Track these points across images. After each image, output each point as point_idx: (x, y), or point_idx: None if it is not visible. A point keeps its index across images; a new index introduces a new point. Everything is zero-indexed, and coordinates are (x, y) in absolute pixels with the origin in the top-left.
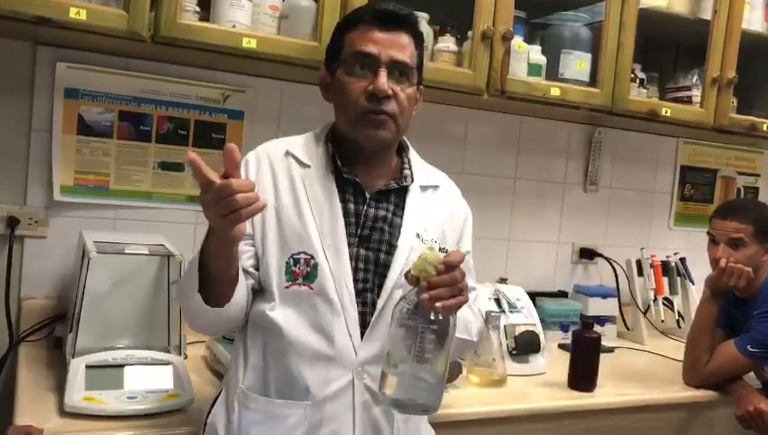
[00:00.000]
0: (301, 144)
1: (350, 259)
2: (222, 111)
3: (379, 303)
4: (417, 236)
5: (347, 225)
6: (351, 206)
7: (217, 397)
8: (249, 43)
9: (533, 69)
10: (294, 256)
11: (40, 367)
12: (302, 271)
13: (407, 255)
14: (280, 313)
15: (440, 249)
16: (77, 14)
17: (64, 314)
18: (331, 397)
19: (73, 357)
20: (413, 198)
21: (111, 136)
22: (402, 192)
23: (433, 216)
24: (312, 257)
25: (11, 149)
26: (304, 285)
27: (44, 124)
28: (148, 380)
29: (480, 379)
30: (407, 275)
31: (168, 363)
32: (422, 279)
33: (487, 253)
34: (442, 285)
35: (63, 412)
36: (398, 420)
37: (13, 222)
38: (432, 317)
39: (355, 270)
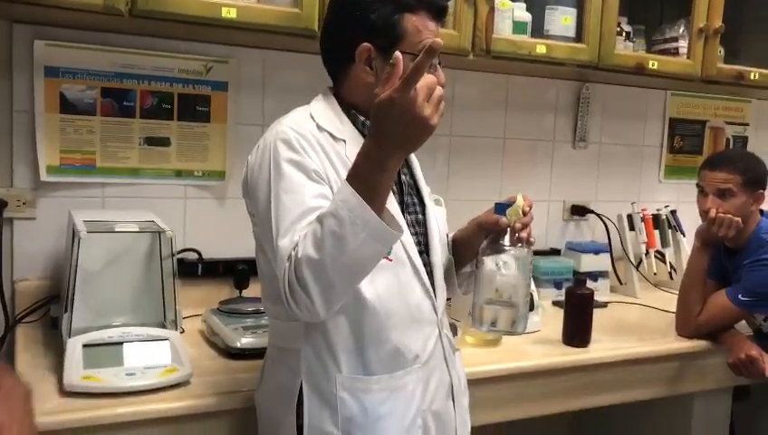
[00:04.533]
0: (325, 118)
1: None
2: (205, 83)
3: (433, 259)
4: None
5: (392, 194)
6: None
7: (299, 404)
8: (229, 13)
9: (518, 27)
10: None
11: (38, 348)
12: None
13: (432, 211)
14: (370, 290)
15: (435, 200)
16: None
17: (59, 293)
18: (431, 353)
19: (70, 337)
20: (413, 159)
21: (95, 113)
22: None
23: (419, 167)
24: None
25: None
26: (383, 257)
27: (26, 104)
28: (146, 356)
29: (475, 339)
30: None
31: (164, 339)
32: (513, 222)
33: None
34: (530, 221)
35: (63, 392)
36: (457, 356)
37: (1, 205)
38: (521, 251)
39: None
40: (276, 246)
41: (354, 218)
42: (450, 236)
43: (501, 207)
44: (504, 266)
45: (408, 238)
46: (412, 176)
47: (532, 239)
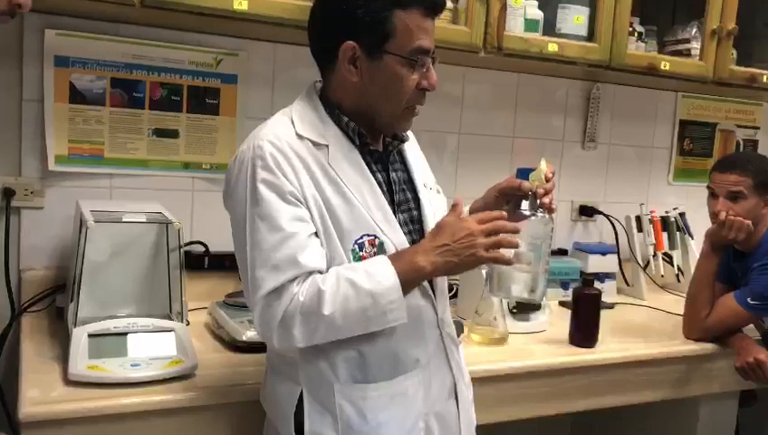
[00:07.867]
0: (303, 124)
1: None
2: (215, 76)
3: None
4: (425, 185)
5: (383, 194)
6: (379, 175)
7: (299, 411)
8: (240, 5)
9: (530, 25)
10: (358, 242)
11: (43, 337)
12: (370, 252)
13: (430, 207)
14: None
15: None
16: None
17: (65, 283)
18: (432, 355)
19: (75, 326)
20: (409, 152)
21: (104, 103)
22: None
23: (422, 161)
24: (376, 237)
25: (3, 119)
26: None
27: (36, 93)
28: (152, 347)
29: (481, 338)
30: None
31: (170, 330)
32: (536, 187)
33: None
34: (552, 188)
35: (68, 381)
36: (460, 350)
37: (8, 193)
38: (542, 218)
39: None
40: (253, 275)
41: (389, 312)
42: (470, 206)
43: (523, 172)
44: (523, 233)
45: (400, 239)
46: (406, 170)
47: (554, 206)
